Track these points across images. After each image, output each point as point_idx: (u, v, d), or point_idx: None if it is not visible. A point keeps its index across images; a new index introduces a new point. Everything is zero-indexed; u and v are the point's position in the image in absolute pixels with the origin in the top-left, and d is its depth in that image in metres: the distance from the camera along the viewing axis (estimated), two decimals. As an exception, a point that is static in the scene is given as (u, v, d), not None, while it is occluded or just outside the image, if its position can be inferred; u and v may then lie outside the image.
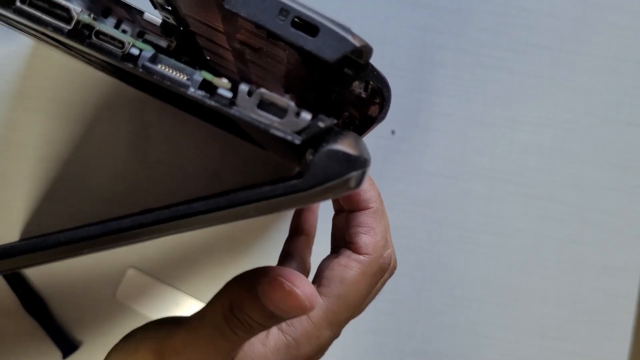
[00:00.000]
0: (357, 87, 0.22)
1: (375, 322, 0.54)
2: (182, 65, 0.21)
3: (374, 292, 0.33)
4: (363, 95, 0.22)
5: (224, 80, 0.20)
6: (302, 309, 0.25)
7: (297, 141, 0.19)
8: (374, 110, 0.22)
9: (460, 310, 0.55)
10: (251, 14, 0.19)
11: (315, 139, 0.20)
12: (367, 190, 0.32)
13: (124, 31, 0.27)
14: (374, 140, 0.54)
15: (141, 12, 0.28)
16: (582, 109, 0.55)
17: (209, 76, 0.20)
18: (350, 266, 0.30)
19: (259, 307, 0.26)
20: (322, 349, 0.32)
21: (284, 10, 0.19)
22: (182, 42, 0.27)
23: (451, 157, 0.55)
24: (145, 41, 0.24)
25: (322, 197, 0.19)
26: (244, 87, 0.19)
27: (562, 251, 0.55)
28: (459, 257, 0.55)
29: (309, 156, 0.19)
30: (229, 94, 0.20)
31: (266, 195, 0.19)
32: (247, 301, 0.26)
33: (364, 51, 0.20)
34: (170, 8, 0.26)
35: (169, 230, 0.22)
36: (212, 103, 0.20)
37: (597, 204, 0.55)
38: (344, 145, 0.19)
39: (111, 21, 0.27)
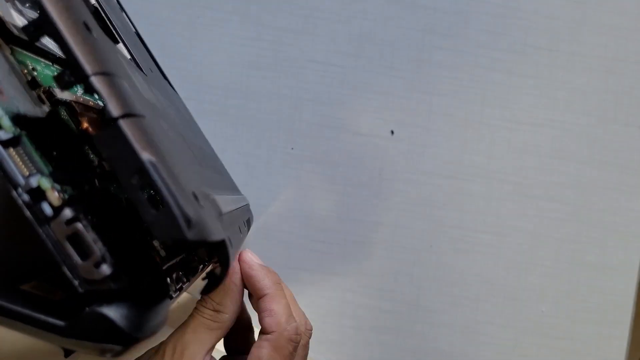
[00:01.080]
0: (201, 253, 0.22)
1: (375, 321, 0.54)
2: (36, 158, 0.20)
3: (298, 356, 0.37)
4: (206, 259, 0.22)
5: (56, 195, 0.19)
6: None
7: (81, 289, 0.18)
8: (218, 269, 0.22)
9: (459, 308, 0.55)
10: (111, 156, 0.18)
11: (102, 294, 0.18)
12: (260, 279, 0.36)
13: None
14: (373, 140, 0.54)
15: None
16: (580, 110, 0.55)
17: (46, 185, 0.19)
18: (262, 345, 0.34)
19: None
20: None
21: (142, 172, 0.18)
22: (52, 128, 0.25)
23: (450, 157, 0.54)
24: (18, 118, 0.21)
25: (78, 348, 0.18)
26: (67, 213, 0.18)
27: (560, 250, 0.55)
28: (457, 257, 0.54)
29: (87, 307, 0.18)
30: (49, 212, 0.19)
31: (19, 317, 0.18)
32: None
33: (202, 245, 0.19)
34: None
35: None
36: (27, 213, 0.18)
37: (595, 204, 0.55)
38: (118, 315, 0.18)
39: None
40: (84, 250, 0.18)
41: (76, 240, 0.18)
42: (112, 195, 0.23)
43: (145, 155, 0.17)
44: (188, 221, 0.17)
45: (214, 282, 0.24)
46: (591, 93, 0.55)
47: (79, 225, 0.18)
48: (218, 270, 0.22)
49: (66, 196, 0.19)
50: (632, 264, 0.55)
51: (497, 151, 0.54)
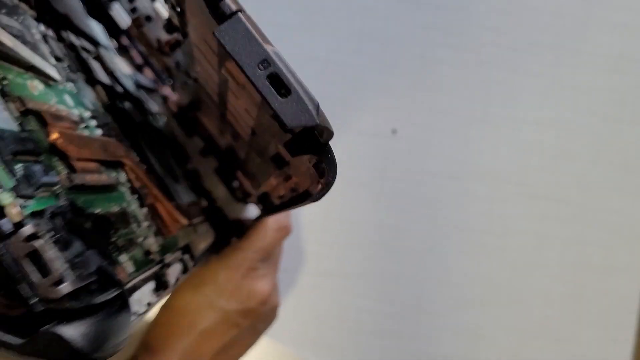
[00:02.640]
0: (308, 160, 0.20)
1: (376, 324, 0.53)
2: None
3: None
4: (310, 170, 0.20)
5: (16, 211, 0.18)
6: None
7: (38, 308, 0.17)
8: (313, 187, 0.21)
9: (462, 311, 0.53)
10: (234, 51, 0.18)
11: (61, 313, 0.18)
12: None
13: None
14: (375, 140, 0.52)
15: None
16: (585, 109, 0.53)
17: (6, 200, 0.18)
18: None
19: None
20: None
21: (266, 62, 0.18)
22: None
23: (453, 157, 0.53)
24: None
25: None
26: (27, 230, 0.18)
27: (564, 252, 0.53)
28: (461, 258, 0.53)
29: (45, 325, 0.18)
30: (7, 228, 0.18)
31: None
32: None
33: (325, 131, 0.19)
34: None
35: None
36: None
37: (600, 204, 0.53)
38: (75, 335, 0.17)
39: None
40: (43, 268, 0.18)
41: (35, 257, 0.17)
42: (79, 209, 0.22)
43: (269, 46, 0.18)
44: (316, 106, 0.18)
45: (301, 198, 0.22)
46: (597, 92, 0.53)
47: (39, 243, 0.17)
48: (314, 189, 0.21)
49: (28, 212, 0.18)
50: (638, 265, 0.53)
51: (501, 151, 0.53)
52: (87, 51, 0.37)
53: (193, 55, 0.28)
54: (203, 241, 0.37)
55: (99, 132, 0.29)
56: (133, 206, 0.28)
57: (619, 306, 0.53)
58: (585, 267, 0.53)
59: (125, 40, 0.48)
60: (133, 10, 0.37)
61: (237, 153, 0.39)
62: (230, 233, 0.49)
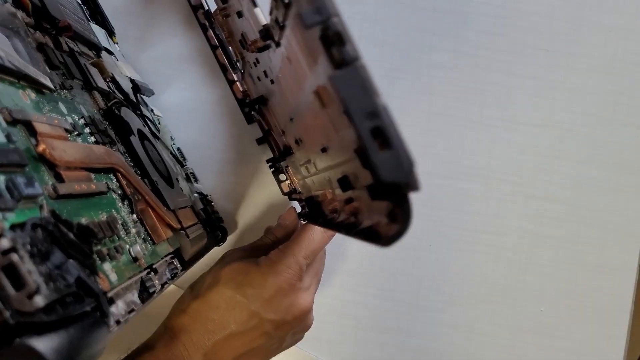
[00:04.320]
0: (385, 207, 0.20)
1: (375, 320, 0.52)
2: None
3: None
4: (383, 211, 0.20)
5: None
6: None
7: (12, 320, 0.17)
8: (383, 229, 0.20)
9: (458, 308, 0.52)
10: (347, 98, 0.18)
11: (34, 326, 0.17)
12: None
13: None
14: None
15: None
16: (579, 110, 0.52)
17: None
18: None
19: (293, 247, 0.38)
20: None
21: (374, 115, 0.18)
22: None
23: (449, 158, 0.52)
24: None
25: None
26: (4, 243, 0.17)
27: (559, 250, 0.52)
28: (457, 256, 0.52)
29: (18, 338, 0.17)
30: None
31: None
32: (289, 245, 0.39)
33: (411, 187, 0.18)
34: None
35: None
36: None
37: (594, 204, 0.52)
38: (48, 348, 0.17)
39: None
40: (18, 281, 0.17)
41: (11, 270, 0.17)
42: (62, 220, 0.21)
43: (379, 99, 0.18)
44: (412, 165, 0.17)
45: (371, 236, 0.22)
46: (590, 93, 0.52)
47: (15, 257, 0.17)
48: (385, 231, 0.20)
49: (8, 224, 0.18)
50: (631, 263, 0.53)
51: (497, 151, 0.52)
52: (87, 57, 0.37)
53: (280, 64, 0.28)
54: (195, 245, 0.36)
55: (92, 139, 0.29)
56: (123, 213, 0.28)
57: (613, 303, 0.52)
58: (579, 265, 0.52)
59: (202, 19, 0.49)
60: (222, 10, 0.37)
61: (293, 154, 0.39)
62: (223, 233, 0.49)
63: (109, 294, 0.22)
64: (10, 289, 0.17)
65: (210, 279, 0.38)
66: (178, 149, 0.50)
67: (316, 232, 0.39)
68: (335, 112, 0.20)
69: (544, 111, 0.52)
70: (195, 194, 0.46)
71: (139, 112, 0.41)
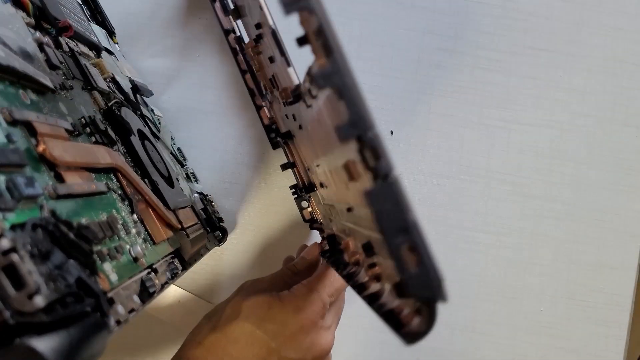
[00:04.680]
0: (411, 304, 0.20)
1: (375, 320, 0.52)
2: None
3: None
4: (408, 309, 0.21)
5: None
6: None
7: (12, 320, 0.17)
8: (407, 318, 0.21)
9: (458, 307, 0.52)
10: (380, 212, 0.18)
11: (34, 326, 0.17)
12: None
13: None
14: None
15: None
16: (578, 110, 0.52)
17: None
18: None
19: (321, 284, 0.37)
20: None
21: (406, 231, 0.18)
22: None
23: (449, 157, 0.52)
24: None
25: None
26: (4, 243, 0.17)
27: (558, 250, 0.52)
28: (456, 256, 0.52)
29: (18, 338, 0.17)
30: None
31: None
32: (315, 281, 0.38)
33: (440, 300, 0.19)
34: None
35: None
36: None
37: (593, 203, 0.52)
38: (48, 348, 0.17)
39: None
40: (18, 281, 0.17)
41: (11, 270, 0.17)
42: (63, 220, 0.21)
43: (411, 216, 0.18)
44: (441, 282, 0.17)
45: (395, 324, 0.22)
46: (589, 94, 0.52)
47: (15, 257, 0.17)
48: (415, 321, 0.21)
49: (8, 225, 0.18)
50: (631, 263, 0.52)
51: (496, 151, 0.52)
52: (87, 57, 0.37)
53: (309, 120, 0.28)
54: (195, 245, 0.36)
55: (92, 139, 0.29)
56: (123, 213, 0.28)
57: (613, 302, 0.52)
58: (578, 265, 0.52)
59: (233, 43, 0.49)
60: (257, 39, 0.36)
61: (317, 190, 0.39)
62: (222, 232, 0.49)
63: (109, 294, 0.22)
64: (10, 289, 0.17)
65: (230, 311, 0.36)
66: (178, 148, 0.50)
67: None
68: (362, 189, 0.20)
69: (543, 111, 0.52)
70: (196, 194, 0.46)
71: (139, 112, 0.41)
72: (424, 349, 0.52)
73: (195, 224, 0.39)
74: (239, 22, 0.43)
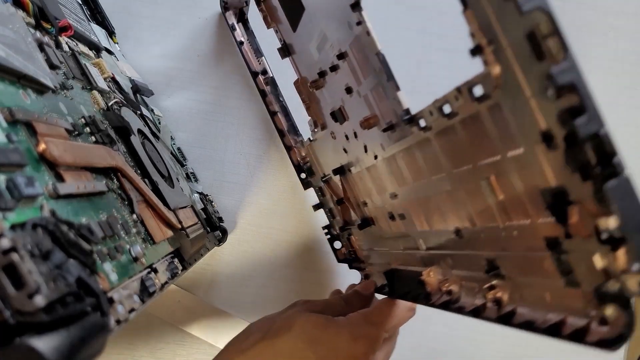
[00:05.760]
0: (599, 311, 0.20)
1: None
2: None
3: None
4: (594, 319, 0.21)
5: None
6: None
7: (12, 320, 0.17)
8: (595, 335, 0.21)
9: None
10: (621, 207, 0.18)
11: (35, 325, 0.17)
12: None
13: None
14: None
15: None
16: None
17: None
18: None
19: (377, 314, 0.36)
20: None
21: None
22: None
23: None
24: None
25: None
26: (4, 243, 0.17)
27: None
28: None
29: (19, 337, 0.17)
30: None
31: None
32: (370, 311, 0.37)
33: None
34: None
35: None
36: None
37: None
38: (48, 347, 0.17)
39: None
40: (18, 281, 0.17)
41: (11, 270, 0.17)
42: (63, 219, 0.21)
43: None
44: None
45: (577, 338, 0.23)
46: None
47: (15, 257, 0.17)
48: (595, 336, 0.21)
49: (8, 224, 0.18)
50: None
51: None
52: (87, 57, 0.37)
53: (416, 142, 0.30)
54: (195, 245, 0.36)
55: (92, 138, 0.29)
56: (123, 213, 0.27)
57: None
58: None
59: (262, 84, 0.50)
60: (321, 73, 0.37)
61: (374, 225, 0.40)
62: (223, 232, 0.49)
63: (109, 294, 0.22)
64: (10, 289, 0.17)
65: (282, 323, 0.35)
66: (178, 148, 0.50)
67: (401, 308, 0.37)
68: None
69: (543, 111, 0.52)
70: (196, 194, 0.46)
71: (139, 112, 0.41)
72: (423, 348, 0.52)
73: (195, 223, 0.39)
74: (287, 59, 0.43)
